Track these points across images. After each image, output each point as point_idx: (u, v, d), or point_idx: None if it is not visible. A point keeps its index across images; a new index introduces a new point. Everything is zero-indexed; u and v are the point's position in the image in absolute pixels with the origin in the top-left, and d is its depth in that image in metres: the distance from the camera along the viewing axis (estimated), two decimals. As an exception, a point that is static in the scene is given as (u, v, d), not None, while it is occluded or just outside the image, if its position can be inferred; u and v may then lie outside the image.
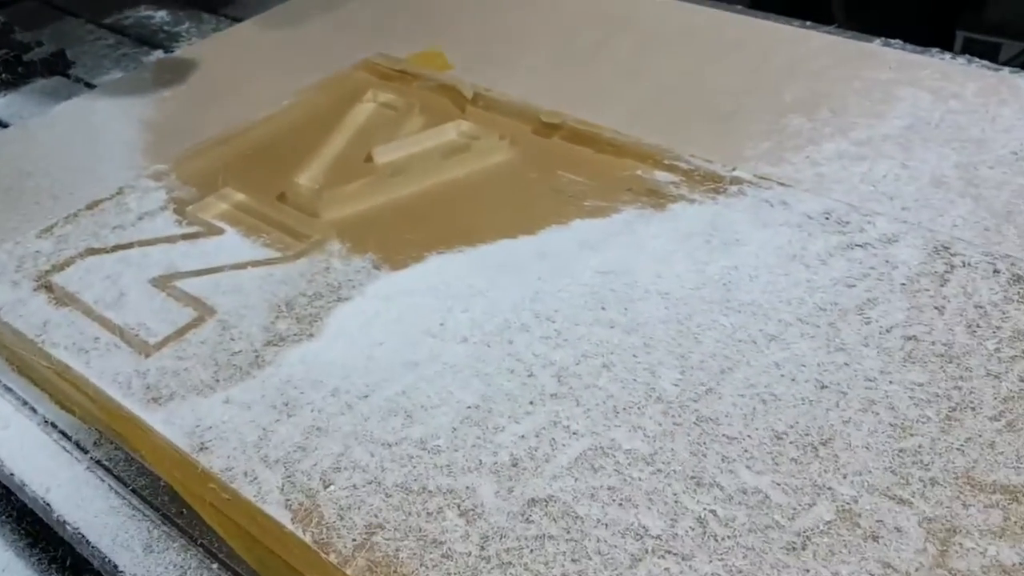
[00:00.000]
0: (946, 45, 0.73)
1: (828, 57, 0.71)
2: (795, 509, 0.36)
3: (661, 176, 0.56)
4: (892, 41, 0.73)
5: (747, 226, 0.50)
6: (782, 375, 0.41)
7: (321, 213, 0.56)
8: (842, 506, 0.36)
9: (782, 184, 0.53)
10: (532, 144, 0.61)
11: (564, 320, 0.46)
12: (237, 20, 0.87)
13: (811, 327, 0.44)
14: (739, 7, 0.81)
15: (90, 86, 0.79)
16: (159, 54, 0.83)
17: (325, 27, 0.83)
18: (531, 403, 0.42)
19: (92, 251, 0.52)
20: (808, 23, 0.77)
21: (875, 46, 0.72)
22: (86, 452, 0.46)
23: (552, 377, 0.43)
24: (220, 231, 0.54)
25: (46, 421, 0.48)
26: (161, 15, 0.90)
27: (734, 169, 0.55)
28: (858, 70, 0.68)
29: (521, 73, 0.73)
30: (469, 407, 0.42)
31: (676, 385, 0.41)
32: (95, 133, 0.70)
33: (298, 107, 0.66)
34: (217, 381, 0.44)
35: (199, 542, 0.41)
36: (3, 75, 0.77)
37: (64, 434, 0.47)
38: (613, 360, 0.43)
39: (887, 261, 0.47)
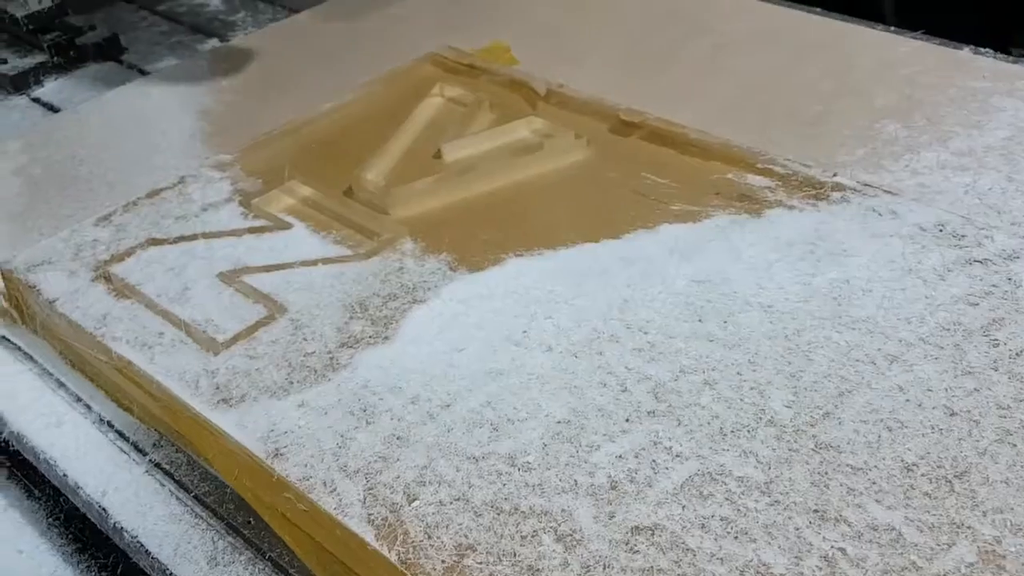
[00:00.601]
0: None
1: (917, 63, 0.67)
2: (932, 549, 0.32)
3: (754, 180, 0.52)
4: (982, 49, 0.69)
5: (854, 236, 0.47)
6: (907, 400, 0.38)
7: (390, 210, 0.53)
8: (984, 547, 0.32)
9: (888, 192, 0.50)
10: (610, 143, 0.58)
11: (657, 332, 0.42)
12: (294, 11, 0.85)
13: (934, 348, 0.40)
14: (816, 8, 0.78)
15: (143, 73, 0.76)
16: (214, 43, 0.80)
17: (384, 20, 0.80)
18: (627, 420, 0.38)
19: (154, 241, 0.50)
20: (892, 27, 0.74)
21: (966, 53, 0.68)
22: (145, 454, 0.43)
23: (648, 393, 0.39)
24: (288, 226, 0.51)
25: (102, 420, 0.45)
26: (216, 3, 0.88)
27: (835, 175, 0.51)
28: (951, 78, 0.65)
29: (591, 70, 0.70)
30: (559, 422, 0.39)
31: (789, 407, 0.38)
32: (150, 120, 0.67)
33: (363, 100, 0.63)
34: (291, 383, 0.41)
35: (268, 556, 0.38)
36: (55, 58, 0.75)
37: (121, 434, 0.44)
38: (715, 377, 0.40)
39: (1010, 279, 0.43)
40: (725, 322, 0.42)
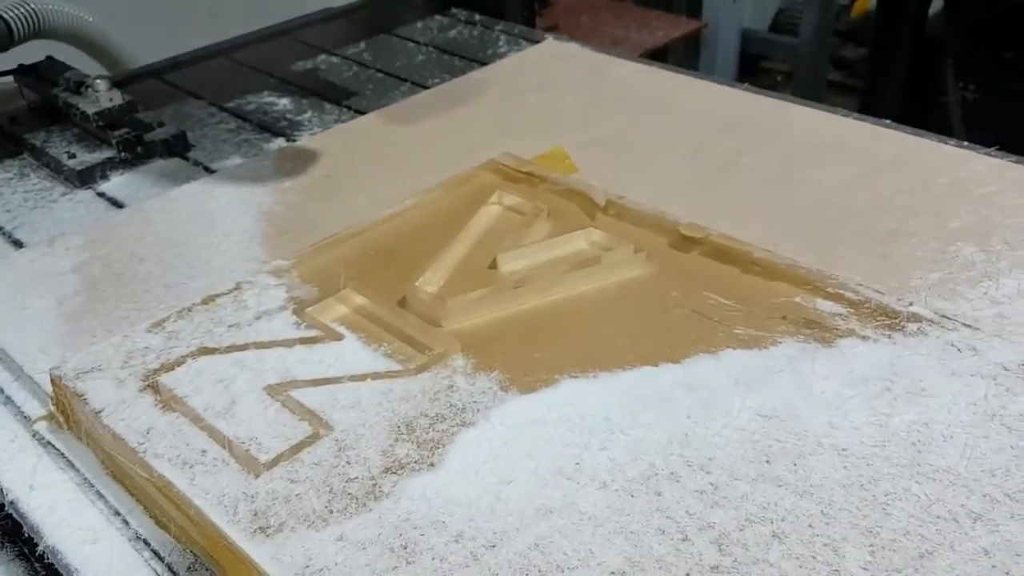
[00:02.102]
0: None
1: (994, 182, 0.65)
2: None
3: (824, 305, 0.50)
4: (1062, 168, 0.67)
5: (933, 373, 0.44)
6: (993, 567, 0.34)
7: (443, 322, 0.52)
8: None
9: (968, 326, 0.47)
10: (669, 259, 0.57)
11: (721, 472, 0.40)
12: (359, 112, 0.86)
13: (1022, 506, 0.37)
14: (888, 121, 0.76)
15: (209, 170, 0.78)
16: (280, 142, 0.81)
17: (447, 123, 0.81)
18: None
19: (205, 351, 0.49)
20: (966, 143, 0.72)
21: (1047, 172, 0.66)
22: (178, 578, 0.41)
23: (711, 544, 0.37)
24: (339, 336, 0.50)
25: (138, 537, 0.44)
26: (284, 103, 0.89)
27: (911, 304, 0.49)
28: (1030, 198, 0.62)
29: (651, 179, 0.69)
30: (614, 573, 0.36)
31: (865, 569, 0.35)
32: (212, 220, 0.68)
33: (422, 207, 0.63)
34: (331, 512, 0.39)
35: None
36: (122, 154, 0.77)
37: (156, 554, 0.43)
38: (785, 529, 0.37)
39: (1108, 429, 0.40)
40: (795, 465, 0.40)
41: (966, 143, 0.71)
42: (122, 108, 0.77)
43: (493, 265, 0.57)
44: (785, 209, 0.64)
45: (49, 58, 0.87)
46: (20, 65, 0.86)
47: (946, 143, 0.72)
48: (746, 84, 0.85)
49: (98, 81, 0.76)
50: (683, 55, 2.44)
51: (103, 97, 0.76)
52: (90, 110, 0.76)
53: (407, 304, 0.54)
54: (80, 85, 0.78)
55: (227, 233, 0.66)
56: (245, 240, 0.65)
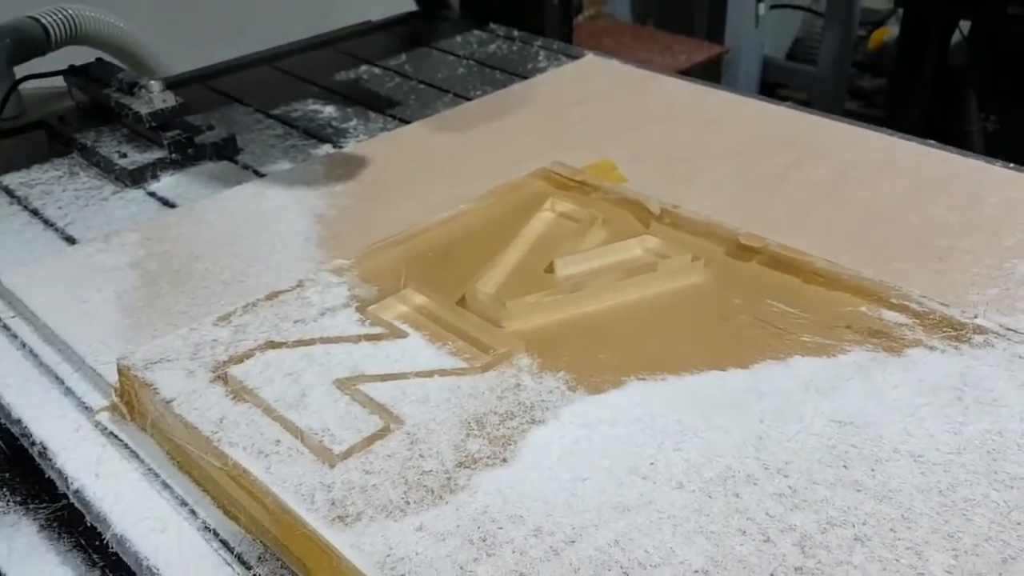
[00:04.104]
0: None
1: (1046, 202, 0.65)
2: None
3: (889, 316, 0.50)
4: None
5: (1003, 384, 0.44)
6: (1082, 572, 0.34)
7: (504, 323, 0.52)
8: None
9: (1034, 338, 0.47)
10: (727, 267, 0.57)
11: (799, 476, 0.40)
12: (404, 121, 0.87)
13: (1108, 515, 0.37)
14: (932, 141, 0.77)
15: (258, 174, 0.78)
16: (327, 148, 0.82)
17: (492, 134, 0.81)
18: None
19: (273, 344, 0.49)
20: (1012, 164, 0.72)
21: (1094, 193, 0.66)
22: (249, 568, 0.41)
23: (794, 546, 0.37)
24: (403, 334, 0.50)
25: (207, 527, 0.44)
26: (329, 110, 0.90)
27: (975, 316, 0.49)
28: (1082, 218, 0.63)
29: (700, 193, 0.70)
30: (697, 571, 0.36)
31: (949, 573, 0.35)
32: (266, 221, 0.68)
33: (476, 212, 0.64)
34: (407, 503, 0.39)
35: None
36: (173, 155, 0.77)
37: (225, 544, 0.43)
38: (867, 532, 0.37)
39: None
40: (872, 470, 0.40)
41: (1012, 165, 0.72)
42: (175, 110, 0.78)
43: (550, 269, 0.58)
44: (838, 224, 0.64)
45: (99, 60, 0.88)
46: (71, 66, 0.87)
47: (993, 164, 0.72)
48: (789, 102, 0.86)
49: (152, 82, 0.77)
50: (704, 79, 2.45)
51: (156, 98, 0.77)
52: (143, 111, 0.76)
53: (467, 305, 0.54)
54: (133, 86, 0.79)
55: (282, 234, 0.66)
56: (300, 241, 0.66)
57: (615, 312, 0.53)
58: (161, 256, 0.64)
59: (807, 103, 2.70)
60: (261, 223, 0.68)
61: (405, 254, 0.59)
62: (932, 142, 0.77)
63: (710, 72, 2.39)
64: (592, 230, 0.61)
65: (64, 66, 0.88)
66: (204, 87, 0.97)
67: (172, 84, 0.96)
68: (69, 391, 0.53)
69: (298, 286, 0.55)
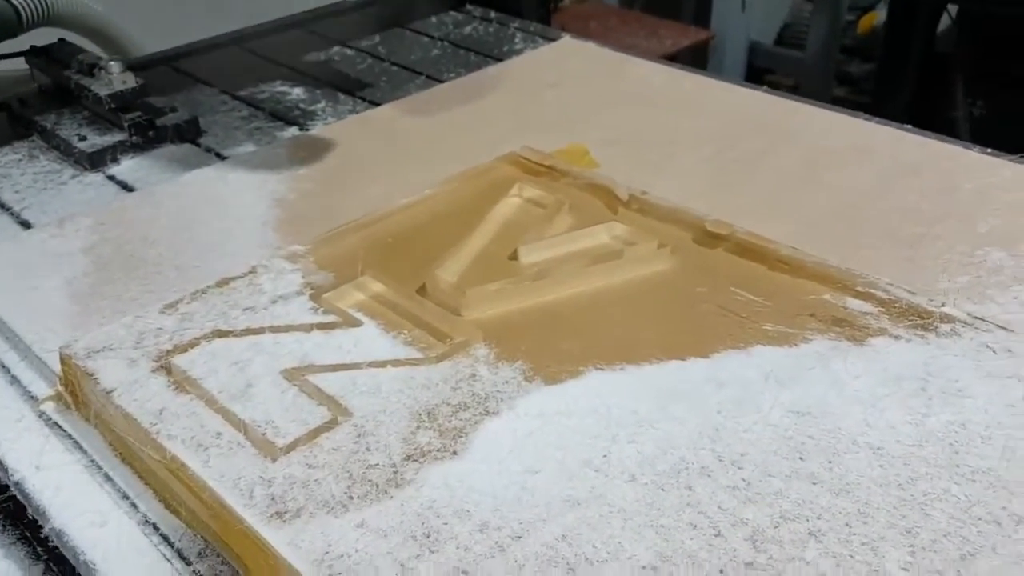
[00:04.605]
0: None
1: (1020, 188, 0.64)
2: None
3: (854, 304, 0.49)
4: (1087, 175, 0.66)
5: (968, 374, 0.43)
6: (1040, 569, 0.33)
7: (463, 311, 0.51)
8: None
9: (1002, 328, 0.46)
10: (694, 254, 0.56)
11: (754, 468, 0.39)
12: (374, 104, 0.85)
13: (1069, 510, 0.36)
14: (910, 126, 0.75)
15: (221, 157, 0.76)
16: (293, 131, 0.80)
17: (463, 117, 0.80)
18: (721, 572, 0.34)
19: (220, 333, 0.48)
20: (990, 150, 0.71)
21: (1071, 179, 0.65)
22: (189, 564, 0.40)
23: (746, 540, 0.35)
24: (357, 323, 0.49)
25: (147, 521, 0.42)
26: (297, 92, 0.88)
27: (943, 304, 0.48)
28: (1058, 204, 0.61)
29: (672, 178, 0.68)
30: (644, 567, 0.35)
31: (906, 570, 0.34)
32: (224, 205, 0.67)
33: (440, 197, 0.62)
34: (351, 498, 0.38)
35: None
36: (134, 138, 0.76)
37: (166, 539, 0.41)
38: (821, 527, 0.36)
39: None
40: (830, 463, 0.38)
41: (990, 150, 0.71)
42: (135, 91, 0.76)
43: (513, 257, 0.56)
44: (808, 210, 0.63)
45: (61, 40, 0.86)
46: (32, 47, 0.85)
47: (970, 149, 0.71)
48: (764, 87, 0.84)
49: (111, 63, 0.75)
50: (691, 64, 2.43)
51: (116, 80, 0.75)
52: (102, 92, 0.74)
53: (426, 293, 0.52)
54: (93, 67, 0.77)
55: (240, 219, 0.65)
56: (258, 226, 0.64)
57: (578, 301, 0.52)
58: (114, 241, 0.62)
59: (795, 89, 2.69)
60: (219, 207, 0.66)
61: (365, 240, 0.58)
62: (909, 127, 0.75)
63: (696, 57, 2.37)
64: (558, 216, 0.60)
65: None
66: (170, 68, 0.95)
67: (138, 66, 0.94)
68: (15, 380, 0.52)
69: (250, 272, 0.53)
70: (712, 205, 0.61)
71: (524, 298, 0.52)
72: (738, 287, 0.51)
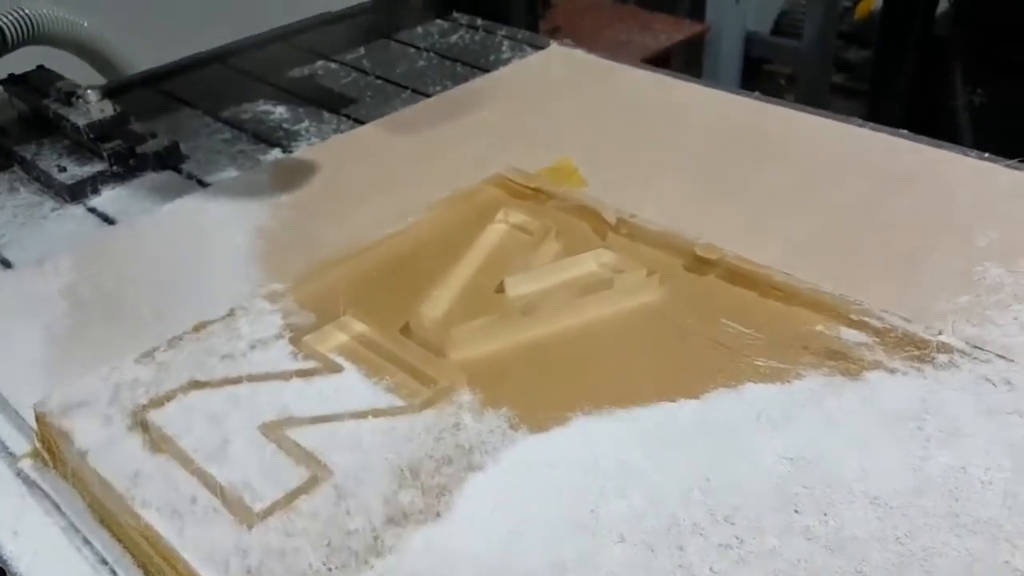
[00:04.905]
0: None
1: (1020, 196, 0.62)
2: None
3: (848, 334, 0.47)
4: (1091, 181, 0.64)
5: (968, 411, 0.41)
6: (1045, 631, 0.32)
7: (448, 351, 0.49)
8: None
9: (1001, 357, 0.45)
10: (684, 282, 0.54)
11: (747, 523, 0.37)
12: (359, 122, 0.83)
13: (1075, 563, 0.34)
14: (905, 131, 0.74)
15: (203, 183, 0.75)
16: (276, 153, 0.79)
17: (449, 134, 0.78)
18: (714, 638, 0.33)
19: (197, 384, 0.46)
20: (987, 155, 0.69)
21: (1074, 186, 0.63)
22: (168, 633, 0.39)
23: (739, 603, 0.34)
24: (339, 368, 0.48)
25: (126, 587, 0.41)
26: (280, 111, 0.87)
27: (940, 332, 0.46)
28: (1059, 214, 0.60)
29: (661, 195, 0.67)
30: (635, 635, 0.33)
31: (906, 633, 0.32)
32: (205, 238, 0.65)
33: (425, 224, 0.61)
34: (329, 570, 0.37)
35: None
36: (114, 167, 0.74)
37: (145, 606, 0.40)
38: (817, 587, 0.34)
39: None
40: (825, 515, 0.37)
41: (987, 155, 0.69)
42: (113, 120, 0.74)
43: (500, 289, 0.55)
44: (801, 227, 0.62)
45: (40, 67, 0.84)
46: (10, 75, 0.84)
47: (967, 155, 0.69)
48: (756, 92, 0.83)
49: (89, 92, 0.74)
50: (686, 58, 2.41)
51: (94, 108, 0.73)
52: (81, 122, 0.73)
53: (410, 332, 0.51)
54: (71, 96, 0.75)
55: (221, 252, 0.63)
56: (240, 259, 0.63)
57: (566, 336, 0.51)
58: (93, 281, 0.61)
59: (792, 78, 2.66)
60: (200, 240, 0.65)
61: (347, 275, 0.56)
62: (905, 132, 0.74)
63: (692, 51, 2.34)
64: (545, 243, 0.58)
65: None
66: (152, 90, 0.94)
67: (119, 89, 0.93)
68: (-9, 435, 0.51)
69: (228, 315, 0.52)
70: (701, 224, 0.60)
71: (510, 335, 0.51)
72: (729, 318, 0.50)
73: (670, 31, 2.17)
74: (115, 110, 0.75)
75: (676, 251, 0.56)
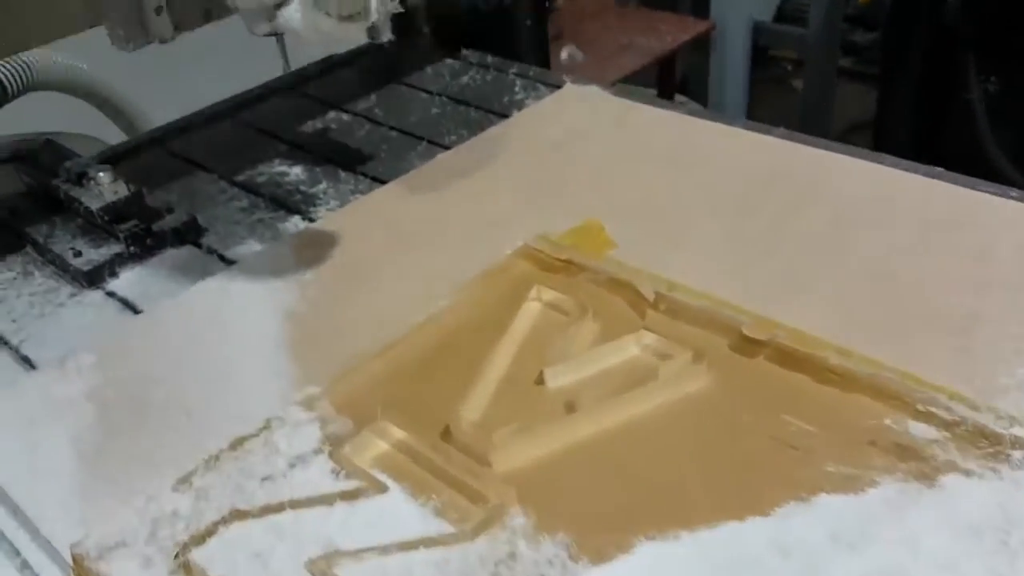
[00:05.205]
0: None
1: (1073, 245, 0.60)
2: None
3: (916, 429, 0.45)
4: None
5: (1052, 522, 0.39)
6: None
7: (493, 458, 0.47)
8: None
9: (1082, 453, 0.42)
10: (732, 366, 0.52)
11: (831, 666, 0.35)
12: (376, 180, 0.81)
13: None
14: (940, 170, 0.71)
15: (223, 258, 0.73)
16: (296, 220, 0.77)
17: (469, 193, 0.76)
18: None
19: (238, 514, 0.45)
20: (1032, 197, 0.67)
21: None
22: None
23: None
24: (383, 488, 0.46)
25: None
26: (296, 172, 0.85)
27: (1012, 424, 0.44)
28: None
29: (692, 254, 0.64)
30: None
31: None
32: (232, 326, 0.63)
33: (456, 310, 0.59)
34: None
35: None
36: (131, 248, 0.72)
37: None
38: None
39: None
40: (915, 654, 0.35)
41: (1031, 196, 0.66)
42: (128, 200, 0.72)
43: (540, 380, 0.53)
44: (841, 286, 0.59)
45: (48, 141, 0.82)
46: (17, 152, 0.82)
47: (1008, 195, 0.67)
48: (782, 128, 0.80)
49: (100, 174, 0.72)
50: (693, 57, 2.38)
51: (107, 191, 0.72)
52: (94, 205, 0.71)
53: (451, 436, 0.49)
54: (82, 176, 0.73)
55: (249, 342, 0.61)
56: (270, 349, 0.61)
57: (614, 437, 0.49)
58: (119, 383, 0.59)
59: (799, 63, 2.63)
60: (226, 328, 0.63)
61: (381, 372, 0.54)
62: (940, 170, 0.71)
63: (699, 48, 2.31)
64: (583, 324, 0.56)
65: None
66: (162, 151, 0.92)
67: (128, 151, 0.91)
68: (26, 564, 0.49)
69: (264, 428, 0.50)
70: (739, 286, 0.58)
71: (555, 438, 0.49)
72: (787, 411, 0.48)
73: (675, 31, 2.15)
74: (129, 190, 0.73)
75: (721, 329, 0.54)
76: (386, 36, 0.63)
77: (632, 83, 1.94)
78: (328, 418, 0.51)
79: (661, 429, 0.48)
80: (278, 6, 0.60)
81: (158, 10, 0.69)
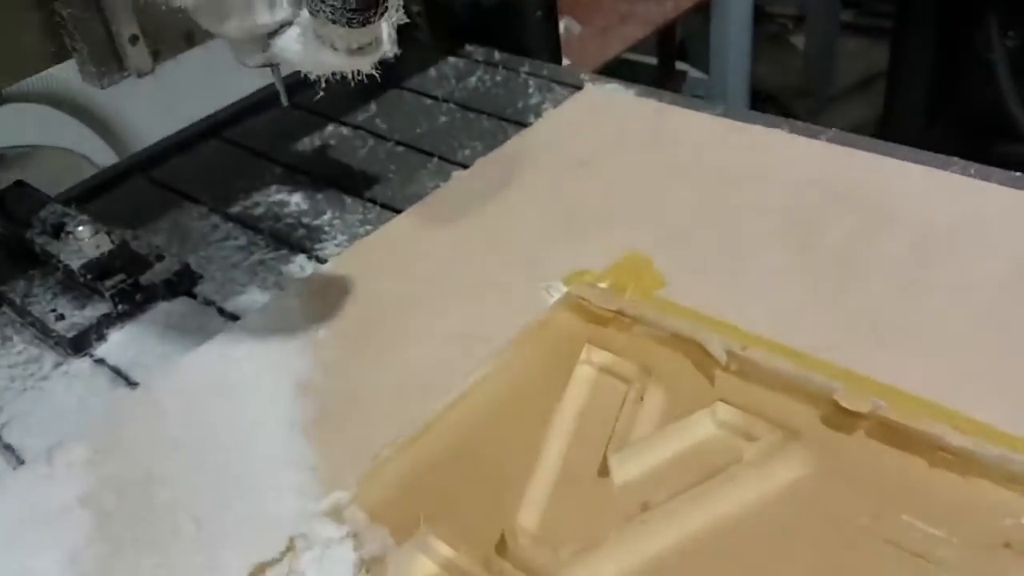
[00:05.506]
0: None
1: None
2: None
3: (1061, 531, 0.38)
4: None
5: None
6: None
7: (560, 576, 0.40)
8: None
9: None
10: (829, 447, 0.45)
11: None
12: (386, 207, 0.73)
13: None
14: (1016, 172, 0.64)
15: (222, 311, 0.65)
16: (301, 261, 0.69)
17: (490, 222, 0.68)
18: None
19: (266, 674, 0.38)
20: None
21: None
22: None
23: None
24: (435, 632, 0.39)
25: None
26: (296, 200, 0.77)
27: None
28: None
29: (752, 289, 0.57)
30: None
31: None
32: (240, 401, 0.56)
33: (499, 380, 0.51)
34: None
35: None
36: (119, 307, 0.64)
37: None
38: None
39: None
40: None
41: None
42: (112, 254, 0.64)
43: (603, 470, 0.46)
44: (933, 329, 0.52)
45: (18, 183, 0.74)
46: (-16, 196, 0.73)
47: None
48: (833, 129, 0.72)
49: (80, 228, 0.64)
50: (693, 21, 2.28)
51: (87, 246, 0.63)
52: (74, 264, 0.63)
53: (507, 551, 0.42)
54: (59, 229, 0.65)
55: (261, 421, 0.54)
56: (284, 432, 0.53)
57: (700, 544, 0.42)
58: (117, 483, 0.51)
59: (799, 19, 2.53)
60: (233, 407, 0.55)
61: (417, 465, 0.47)
62: (1018, 174, 0.64)
63: (700, 11, 2.21)
64: (646, 394, 0.49)
65: None
66: (144, 179, 0.83)
67: (109, 181, 0.83)
68: None
69: (288, 551, 0.43)
70: (813, 332, 0.52)
71: (631, 550, 0.42)
72: (905, 509, 0.41)
73: (676, -1, 2.04)
74: (112, 242, 0.64)
75: (808, 397, 0.47)
76: (392, 51, 0.55)
77: (630, 52, 1.85)
78: (361, 532, 0.44)
79: (754, 532, 0.41)
80: (272, 35, 0.52)
81: (133, 39, 0.61)
